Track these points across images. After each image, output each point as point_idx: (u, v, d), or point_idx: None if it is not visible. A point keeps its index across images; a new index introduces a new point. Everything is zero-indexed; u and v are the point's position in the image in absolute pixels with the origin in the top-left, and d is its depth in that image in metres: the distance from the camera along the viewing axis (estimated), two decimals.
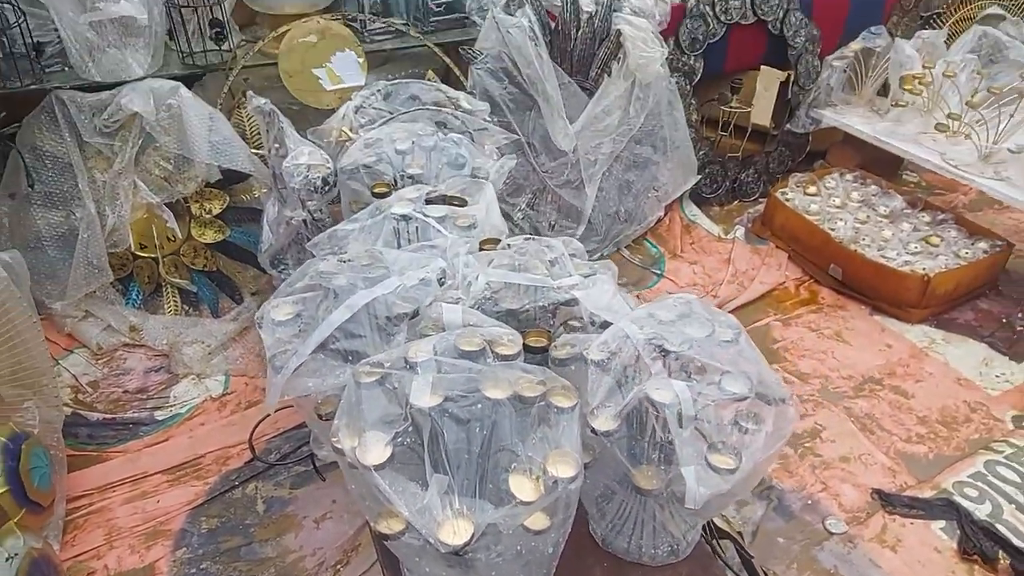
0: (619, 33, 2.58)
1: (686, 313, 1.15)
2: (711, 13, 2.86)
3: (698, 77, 2.93)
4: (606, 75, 2.62)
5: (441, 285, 1.24)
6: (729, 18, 2.90)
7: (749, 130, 3.12)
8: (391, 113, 2.04)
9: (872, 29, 3.08)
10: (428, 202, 1.49)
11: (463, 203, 1.51)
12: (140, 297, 2.34)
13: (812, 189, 2.92)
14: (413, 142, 1.74)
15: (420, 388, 0.96)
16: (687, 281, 2.67)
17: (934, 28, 3.41)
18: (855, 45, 3.05)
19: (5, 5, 1.93)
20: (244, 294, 2.40)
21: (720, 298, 2.57)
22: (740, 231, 2.98)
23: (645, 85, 2.65)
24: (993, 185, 2.54)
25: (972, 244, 2.61)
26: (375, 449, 0.94)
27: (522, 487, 0.93)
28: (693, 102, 2.96)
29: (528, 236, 1.36)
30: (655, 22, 2.67)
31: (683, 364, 1.07)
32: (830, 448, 1.99)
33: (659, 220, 2.97)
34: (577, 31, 2.57)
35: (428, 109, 2.03)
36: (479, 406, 0.95)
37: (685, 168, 2.93)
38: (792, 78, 3.15)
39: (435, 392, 0.96)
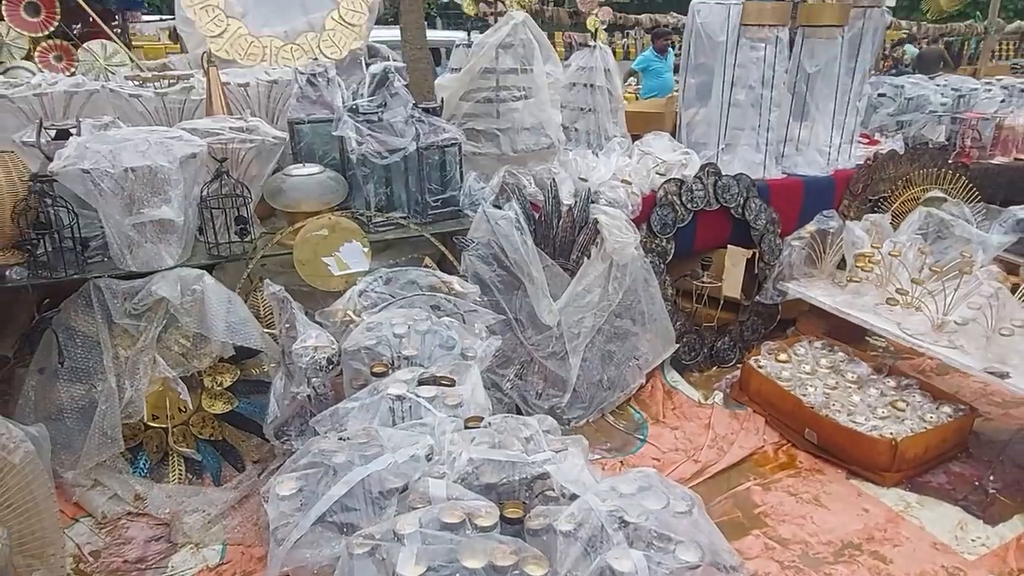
0: (596, 221, 2.91)
1: (645, 486, 1.30)
2: (679, 202, 3.22)
3: (670, 257, 3.23)
4: (586, 258, 2.91)
5: (429, 461, 1.39)
6: (695, 205, 3.26)
7: (722, 302, 3.38)
8: (392, 297, 2.29)
9: (825, 213, 3.43)
10: (420, 383, 1.68)
11: (451, 383, 1.70)
12: (147, 465, 2.46)
13: (783, 356, 3.12)
14: (409, 326, 1.96)
15: (405, 559, 1.09)
16: (669, 446, 2.80)
17: (881, 211, 3.79)
18: (810, 227, 3.39)
19: (61, 209, 2.23)
20: (246, 462, 2.52)
21: (701, 463, 2.69)
22: (719, 396, 3.15)
23: (622, 266, 2.94)
24: (948, 353, 2.74)
25: (937, 408, 2.77)
26: None
27: None
28: (667, 279, 3.24)
29: (507, 415, 1.53)
30: (628, 211, 3.02)
31: (641, 534, 1.21)
32: None
33: (642, 387, 3.15)
34: (558, 220, 2.90)
35: (424, 294, 2.29)
36: (456, 572, 1.08)
37: (663, 338, 3.15)
38: (757, 255, 3.47)
39: (419, 563, 1.09)
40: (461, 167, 2.86)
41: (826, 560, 2.24)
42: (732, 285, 3.39)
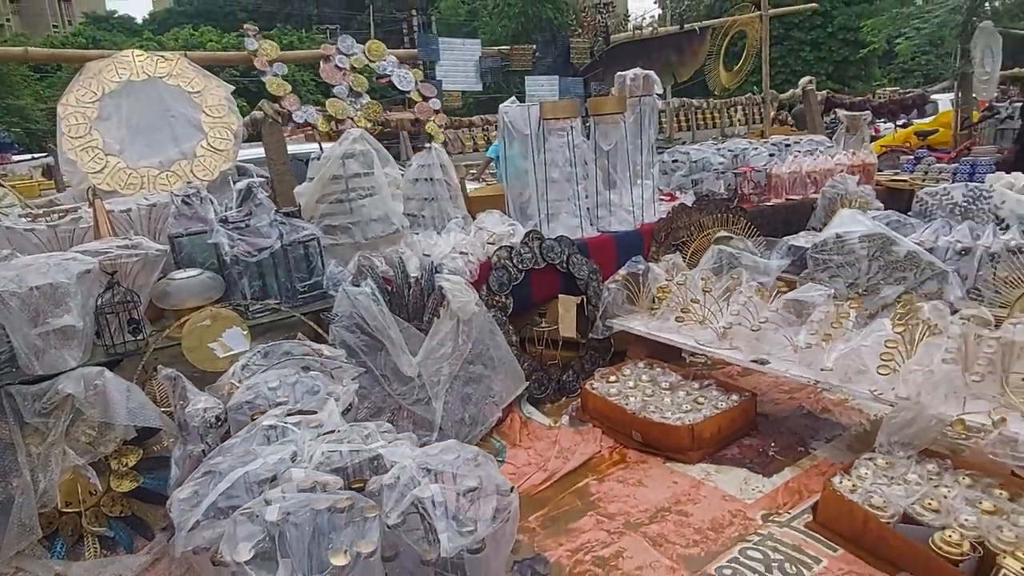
0: (441, 288, 3.54)
1: (447, 448, 1.87)
2: (511, 264, 3.92)
3: (510, 310, 3.89)
4: (436, 318, 3.52)
5: (294, 461, 1.91)
6: (525, 265, 3.96)
7: (561, 342, 4.05)
8: (270, 366, 2.80)
9: (633, 259, 4.22)
10: (288, 415, 2.19)
11: (313, 413, 2.23)
12: (64, 548, 2.77)
13: (613, 378, 3.80)
14: (280, 380, 2.48)
15: (271, 511, 1.60)
16: (523, 462, 3.36)
17: (682, 252, 4.65)
18: (623, 272, 4.16)
19: None
20: (155, 531, 2.87)
21: (549, 471, 3.26)
22: (566, 419, 3.76)
23: (467, 321, 3.56)
24: (728, 353, 3.49)
25: (728, 398, 3.50)
26: (244, 554, 1.55)
27: (337, 558, 1.55)
28: (510, 328, 3.89)
29: (353, 423, 2.07)
30: (467, 276, 3.68)
31: (440, 477, 1.77)
32: (629, 563, 2.60)
33: (501, 420, 3.72)
34: (409, 290, 3.50)
35: (293, 359, 2.81)
36: (308, 514, 1.60)
37: (514, 377, 3.76)
38: (585, 300, 4.20)
39: (280, 513, 1.60)
40: (322, 257, 3.44)
41: (642, 522, 2.83)
42: (568, 327, 4.08)
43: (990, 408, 2.61)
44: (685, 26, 6.54)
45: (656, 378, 3.77)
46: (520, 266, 3.95)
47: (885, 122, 13.24)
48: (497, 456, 3.47)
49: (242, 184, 3.41)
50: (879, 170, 8.64)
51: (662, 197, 5.27)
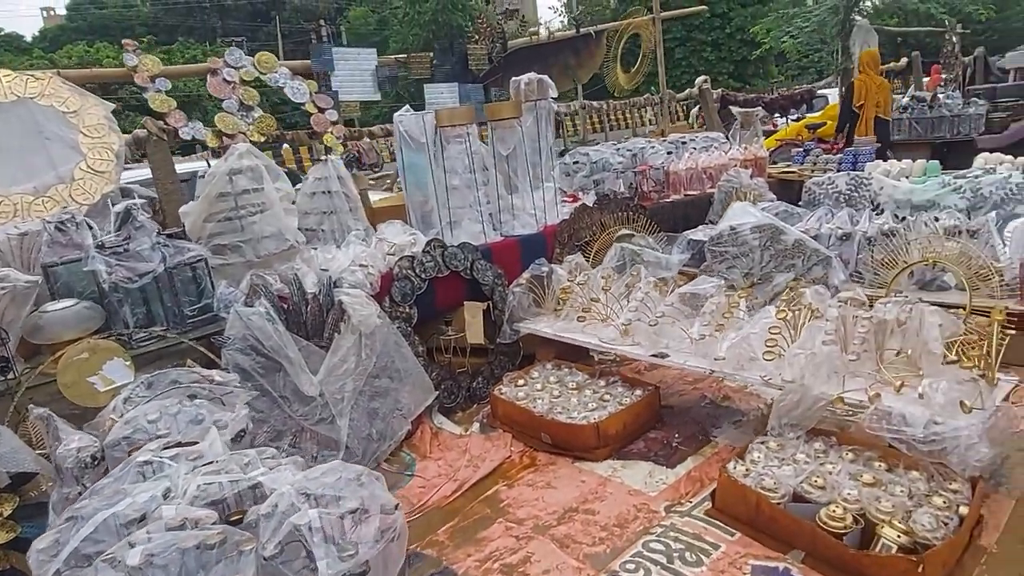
0: (340, 302, 3.46)
1: (329, 470, 1.82)
2: (413, 274, 3.87)
3: (415, 320, 3.85)
4: (336, 333, 3.44)
5: (166, 497, 1.81)
6: (428, 274, 3.93)
7: (469, 349, 4.04)
8: (154, 397, 2.66)
9: (537, 262, 4.26)
10: (166, 448, 2.09)
11: (193, 443, 2.13)
12: None
13: (521, 382, 3.81)
14: (161, 412, 2.36)
15: (133, 554, 1.51)
16: (434, 474, 3.33)
17: (585, 252, 4.72)
18: (526, 275, 4.18)
19: None
20: None
21: (460, 480, 3.24)
22: (477, 426, 3.75)
23: (369, 335, 3.50)
24: (629, 350, 3.56)
25: (632, 393, 3.56)
26: None
27: None
28: (416, 338, 3.84)
29: (235, 451, 1.99)
30: (367, 289, 3.61)
31: (321, 500, 1.72)
32: (537, 567, 2.60)
33: (411, 432, 3.67)
34: (306, 307, 3.41)
35: (180, 388, 2.68)
36: (174, 554, 1.52)
37: (422, 388, 3.71)
38: (491, 305, 4.20)
39: (143, 556, 1.52)
40: (211, 278, 3.31)
41: (551, 524, 2.84)
42: (475, 334, 4.07)
43: (867, 385, 2.75)
44: (581, 30, 6.66)
45: (564, 379, 3.81)
46: (423, 275, 3.91)
47: (780, 116, 13.92)
48: (407, 469, 3.42)
49: (120, 206, 3.24)
50: (774, 162, 9.05)
51: (565, 199, 5.34)
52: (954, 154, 9.39)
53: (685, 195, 5.62)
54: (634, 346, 3.57)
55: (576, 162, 5.51)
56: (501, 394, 3.70)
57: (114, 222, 3.25)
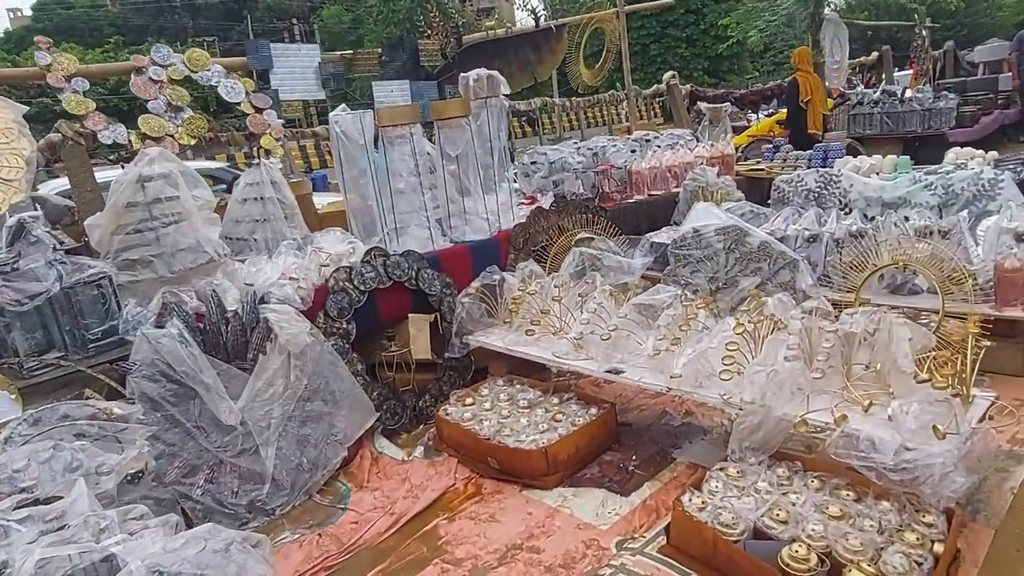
0: (266, 320, 3.16)
1: (194, 538, 1.53)
2: (351, 286, 3.58)
3: (353, 336, 3.56)
4: (262, 355, 3.14)
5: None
6: (368, 286, 3.64)
7: (414, 366, 3.76)
8: (35, 436, 2.35)
9: (488, 270, 3.98)
10: (20, 507, 1.78)
11: (57, 498, 1.83)
12: None
13: (469, 400, 3.53)
14: (30, 458, 2.05)
15: None
16: (369, 507, 3.04)
17: (542, 258, 4.45)
18: (476, 283, 3.90)
19: None
20: None
21: (397, 514, 2.95)
22: (420, 450, 3.47)
23: (300, 354, 3.20)
24: (583, 364, 3.29)
25: (587, 412, 3.30)
26: None
27: None
28: (355, 356, 3.55)
29: (90, 513, 1.69)
30: (298, 305, 3.32)
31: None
32: None
33: (350, 459, 3.38)
34: (227, 326, 3.11)
35: (69, 424, 2.37)
36: None
37: (361, 410, 3.43)
38: (439, 317, 3.92)
39: None
40: (117, 297, 2.99)
41: (491, 566, 2.57)
42: (421, 349, 3.79)
43: (833, 405, 2.51)
44: (540, 24, 6.40)
45: (515, 396, 3.53)
46: (362, 287, 3.62)
47: (753, 112, 13.77)
48: (340, 501, 3.13)
49: (12, 220, 2.92)
50: (745, 159, 8.86)
51: (523, 201, 5.07)
52: (925, 148, 9.28)
53: (649, 195, 5.38)
54: (587, 361, 3.31)
55: (534, 162, 5.24)
56: (447, 415, 3.43)
57: (5, 237, 2.93)
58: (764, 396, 2.57)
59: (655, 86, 7.66)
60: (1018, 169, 5.80)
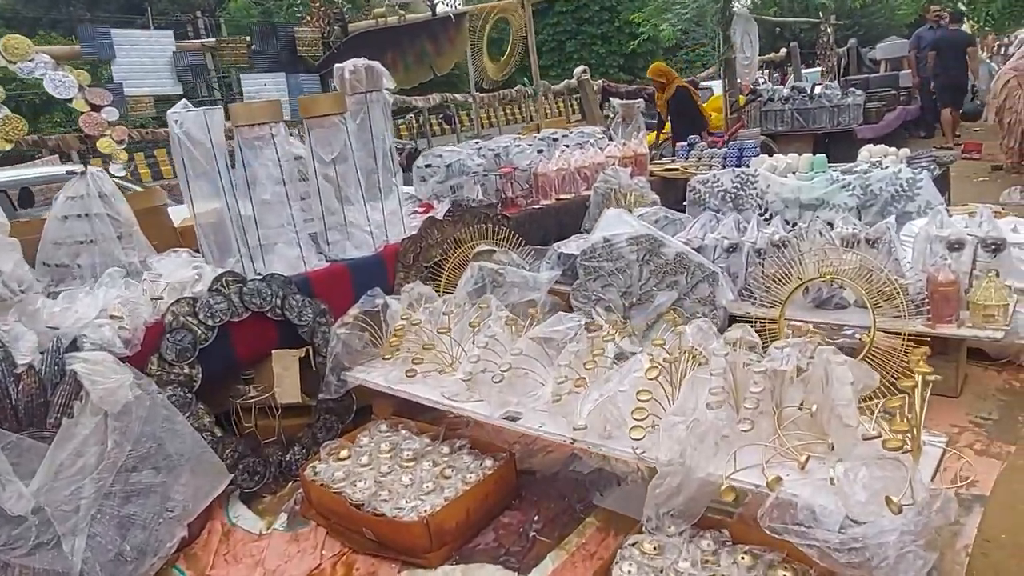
0: (75, 373, 2.50)
1: None
2: (195, 322, 2.95)
3: (198, 383, 2.93)
4: (67, 418, 2.48)
5: None
6: (218, 320, 3.01)
7: (279, 412, 3.15)
8: None
9: (370, 293, 3.41)
10: None
11: None
12: None
13: (344, 452, 2.96)
14: None
15: None
16: None
17: (437, 275, 3.92)
18: (354, 310, 3.33)
19: None
20: None
21: None
22: (283, 519, 2.88)
23: (121, 413, 2.56)
24: (475, 408, 2.78)
25: (481, 465, 2.79)
26: None
27: None
28: (201, 408, 2.92)
29: None
30: (119, 350, 2.67)
31: None
32: None
33: (194, 537, 2.76)
34: (17, 385, 2.43)
35: None
36: None
37: (208, 475, 2.80)
38: (313, 351, 3.33)
39: None
40: None
41: None
42: (288, 391, 3.19)
43: (764, 461, 2.09)
44: (438, 12, 5.85)
45: (399, 445, 2.99)
46: (210, 322, 2.99)
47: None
48: None
49: None
50: (660, 156, 8.57)
51: (418, 210, 4.53)
52: (836, 145, 9.27)
53: (557, 200, 4.92)
54: (480, 403, 2.80)
55: (428, 165, 4.69)
56: (314, 475, 2.85)
57: None
58: (684, 452, 2.12)
59: (565, 81, 7.23)
60: (932, 167, 5.70)
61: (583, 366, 2.56)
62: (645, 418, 2.22)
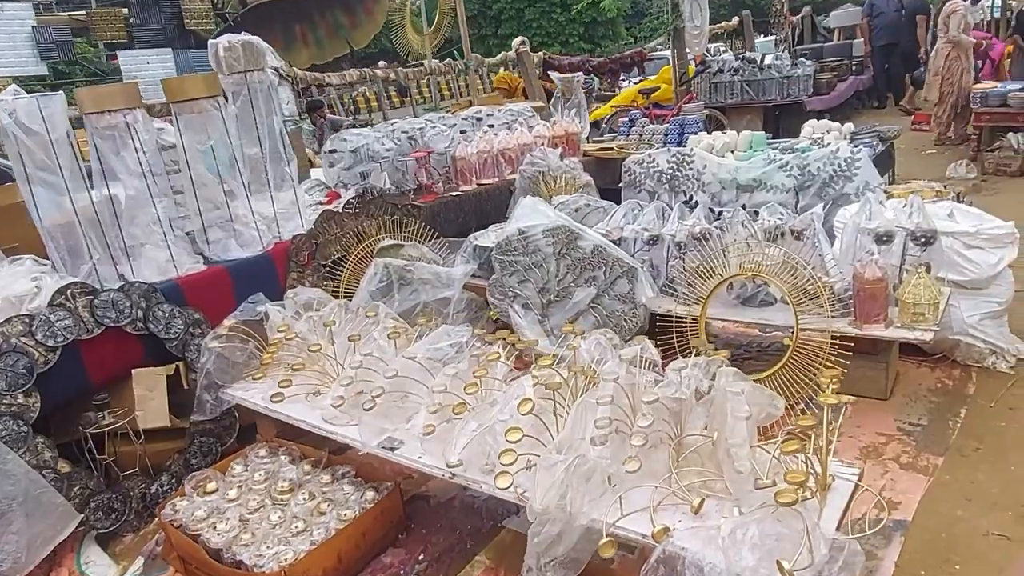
0: None
1: None
2: (31, 343, 2.57)
3: (36, 413, 2.56)
4: None
5: None
6: (62, 339, 2.64)
7: (141, 439, 2.80)
8: None
9: (250, 299, 3.06)
10: None
11: None
12: None
13: (211, 486, 2.62)
14: None
15: None
16: None
17: (336, 273, 3.58)
18: (229, 320, 2.98)
19: None
20: None
21: None
22: (140, 563, 2.55)
23: None
24: (352, 434, 2.47)
25: (361, 498, 2.49)
26: None
27: None
28: (42, 441, 2.56)
29: None
30: None
31: None
32: None
33: None
34: None
35: None
36: None
37: (50, 518, 2.46)
38: (185, 368, 2.97)
39: None
40: None
41: None
42: (154, 414, 2.84)
43: (654, 504, 1.82)
44: None
45: (277, 474, 2.67)
46: (51, 342, 2.61)
47: (624, 80, 13.28)
48: None
49: None
50: (610, 131, 8.25)
51: (323, 200, 4.15)
52: (786, 117, 9.04)
53: (479, 186, 4.57)
54: (356, 426, 2.48)
55: (333, 151, 4.30)
56: (173, 513, 2.51)
57: None
58: (566, 495, 1.84)
59: (503, 54, 6.80)
60: (874, 144, 5.48)
61: (464, 389, 2.25)
62: (512, 462, 1.93)
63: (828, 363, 2.70)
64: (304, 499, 2.51)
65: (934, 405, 2.91)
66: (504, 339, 2.45)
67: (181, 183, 3.25)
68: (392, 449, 2.33)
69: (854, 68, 11.12)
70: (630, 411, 2.05)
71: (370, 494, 2.49)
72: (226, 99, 3.31)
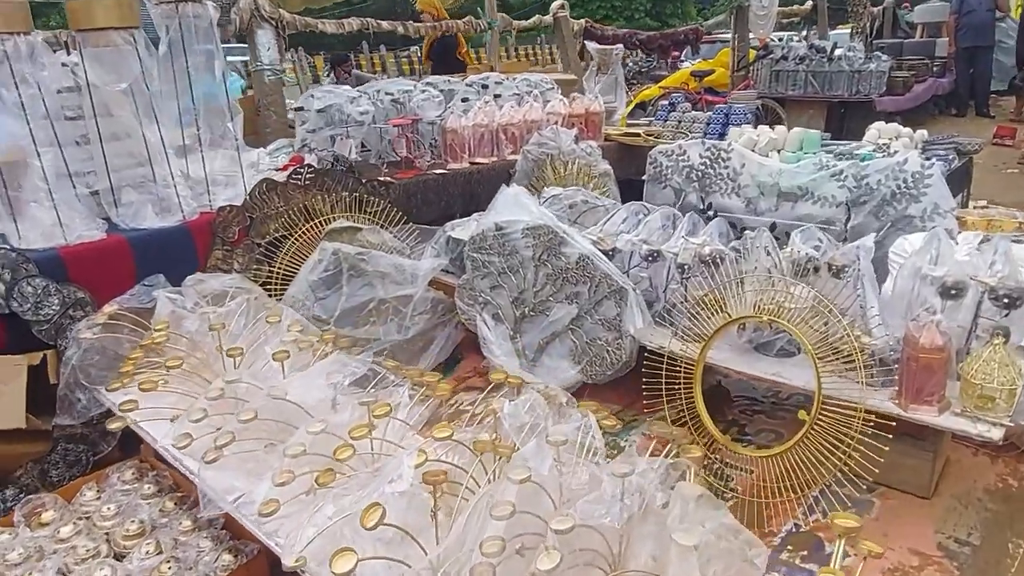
0: None
1: None
2: None
3: None
4: None
5: None
6: None
7: None
8: None
9: (146, 281, 2.52)
10: None
11: None
12: None
13: (47, 516, 2.10)
14: None
15: None
16: None
17: (272, 256, 3.00)
18: (111, 307, 2.44)
19: None
20: None
21: None
22: None
23: None
24: (216, 480, 1.90)
25: (215, 561, 1.92)
26: None
27: None
28: None
29: None
30: None
31: None
32: None
33: None
34: None
35: None
36: None
37: None
38: (51, 358, 2.44)
39: None
40: None
41: None
42: (7, 413, 2.32)
43: None
44: None
45: (128, 510, 2.12)
46: None
47: (683, 60, 12.34)
48: None
49: None
50: (656, 114, 7.46)
51: (282, 168, 3.56)
52: (852, 116, 8.13)
53: (471, 164, 3.92)
54: (222, 471, 1.91)
55: (300, 108, 3.69)
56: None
57: None
58: None
59: (536, 16, 6.07)
60: (949, 157, 4.64)
61: (335, 453, 1.64)
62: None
63: (857, 446, 2.03)
64: (147, 552, 1.96)
65: (991, 515, 2.20)
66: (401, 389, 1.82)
67: (79, 132, 2.69)
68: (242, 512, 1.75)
69: (935, 69, 10.02)
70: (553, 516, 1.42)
71: (227, 558, 1.92)
72: (151, 35, 2.73)
